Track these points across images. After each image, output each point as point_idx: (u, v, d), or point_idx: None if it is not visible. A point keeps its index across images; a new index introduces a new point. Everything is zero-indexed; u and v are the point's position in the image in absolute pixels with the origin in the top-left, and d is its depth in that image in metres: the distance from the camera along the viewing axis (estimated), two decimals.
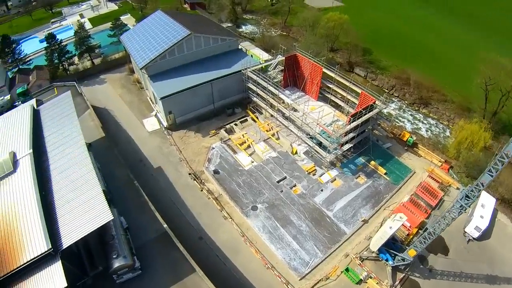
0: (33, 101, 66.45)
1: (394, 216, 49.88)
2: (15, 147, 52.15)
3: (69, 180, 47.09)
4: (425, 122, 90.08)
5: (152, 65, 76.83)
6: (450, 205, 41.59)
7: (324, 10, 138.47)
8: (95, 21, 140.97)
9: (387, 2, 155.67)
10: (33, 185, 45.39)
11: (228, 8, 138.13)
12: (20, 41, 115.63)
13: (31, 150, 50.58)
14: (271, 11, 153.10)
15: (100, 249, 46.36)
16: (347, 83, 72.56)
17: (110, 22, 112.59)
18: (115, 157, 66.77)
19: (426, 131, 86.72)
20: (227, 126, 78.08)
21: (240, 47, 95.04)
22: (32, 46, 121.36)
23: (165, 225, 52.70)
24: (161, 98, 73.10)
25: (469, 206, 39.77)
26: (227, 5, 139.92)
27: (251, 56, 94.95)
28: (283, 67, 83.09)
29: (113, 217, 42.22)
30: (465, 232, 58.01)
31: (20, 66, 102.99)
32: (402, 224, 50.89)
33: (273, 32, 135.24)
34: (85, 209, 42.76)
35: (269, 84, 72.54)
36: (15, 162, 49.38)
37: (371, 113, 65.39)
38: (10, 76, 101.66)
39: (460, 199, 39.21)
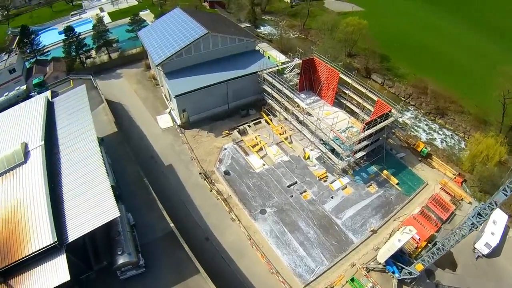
0: (48, 93, 66.71)
1: (404, 228, 49.19)
2: (27, 138, 52.18)
3: (79, 174, 46.93)
4: (440, 132, 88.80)
5: (168, 63, 76.87)
6: (461, 221, 40.83)
7: (343, 15, 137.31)
8: (114, 15, 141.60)
9: (409, 9, 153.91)
10: (43, 177, 45.28)
11: (248, 8, 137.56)
12: (40, 32, 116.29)
13: (43, 142, 50.55)
14: (290, 13, 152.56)
15: (106, 244, 46.17)
16: (364, 90, 71.58)
17: (129, 17, 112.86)
18: (126, 153, 66.69)
19: (441, 142, 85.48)
20: (240, 127, 77.65)
21: (257, 48, 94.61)
22: (51, 38, 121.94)
23: (171, 225, 52.34)
24: (176, 96, 73.06)
25: (481, 225, 38.79)
26: (246, 5, 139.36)
27: (268, 57, 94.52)
28: (299, 71, 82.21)
29: (119, 214, 41.93)
30: (475, 248, 56.85)
31: (38, 57, 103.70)
32: (411, 237, 50.12)
33: (291, 34, 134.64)
34: (93, 204, 42.57)
35: (285, 87, 71.94)
36: (26, 153, 49.37)
37: (386, 122, 64.42)
38: (28, 66, 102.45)
39: (472, 217, 38.26)
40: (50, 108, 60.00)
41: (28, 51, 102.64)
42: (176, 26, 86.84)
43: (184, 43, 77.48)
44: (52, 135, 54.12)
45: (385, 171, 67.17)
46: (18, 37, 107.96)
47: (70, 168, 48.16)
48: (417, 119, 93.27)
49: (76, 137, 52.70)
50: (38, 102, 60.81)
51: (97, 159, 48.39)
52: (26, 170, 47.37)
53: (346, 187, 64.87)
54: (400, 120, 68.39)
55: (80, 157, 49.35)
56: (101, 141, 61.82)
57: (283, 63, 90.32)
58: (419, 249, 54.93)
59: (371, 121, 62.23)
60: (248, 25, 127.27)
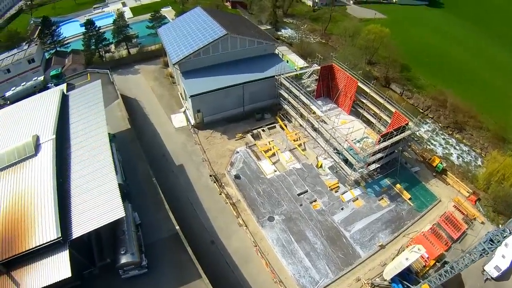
0: (63, 86, 66.66)
1: (412, 247, 48.06)
2: (39, 130, 52.30)
3: (87, 170, 46.93)
4: (457, 148, 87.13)
5: (186, 62, 76.46)
6: (472, 245, 39.39)
7: (365, 21, 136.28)
8: (136, 10, 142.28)
9: (433, 19, 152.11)
10: (52, 172, 45.35)
11: (269, 10, 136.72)
12: (61, 24, 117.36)
13: (54, 136, 50.55)
14: (312, 17, 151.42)
15: (111, 242, 46.10)
16: (382, 100, 70.31)
17: (150, 14, 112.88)
18: (138, 150, 66.44)
19: (457, 157, 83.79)
20: (254, 131, 76.88)
21: (276, 51, 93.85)
22: (72, 30, 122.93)
23: (177, 227, 51.77)
24: (191, 96, 72.63)
25: (492, 251, 37.32)
26: (268, 7, 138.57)
27: (287, 61, 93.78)
28: (317, 77, 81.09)
29: (124, 215, 41.70)
30: (484, 270, 55.07)
31: (58, 49, 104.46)
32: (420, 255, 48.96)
33: (312, 39, 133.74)
34: (99, 202, 42.54)
35: (302, 93, 70.87)
36: (37, 146, 49.49)
37: (402, 135, 62.99)
38: (47, 57, 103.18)
39: (484, 242, 36.80)
40: (64, 102, 60.11)
41: (48, 42, 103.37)
42: (196, 25, 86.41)
43: (203, 43, 77.00)
44: (64, 129, 54.26)
45: (398, 185, 65.68)
46: (39, 28, 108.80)
47: (79, 164, 48.22)
48: (435, 132, 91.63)
49: (87, 132, 52.73)
50: (53, 95, 61.04)
51: (106, 156, 48.30)
52: (36, 163, 47.46)
53: (357, 199, 63.51)
54: (417, 133, 66.69)
55: (90, 153, 49.39)
56: (113, 137, 61.91)
57: (301, 68, 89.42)
58: (427, 268, 53.46)
59: (387, 133, 61.02)
60: (269, 27, 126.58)
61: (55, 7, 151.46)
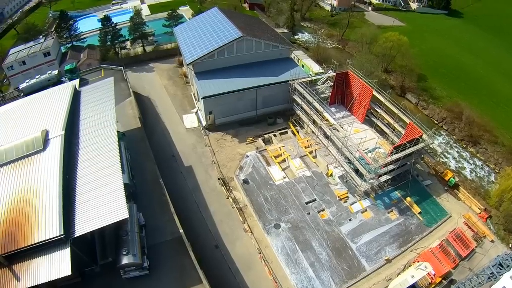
0: (76, 81, 66.48)
1: (419, 264, 47.04)
2: (49, 125, 52.13)
3: (94, 169, 46.62)
4: (470, 162, 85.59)
5: (200, 63, 75.97)
6: (480, 268, 38.24)
7: (383, 28, 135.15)
8: (154, 8, 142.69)
9: (452, 29, 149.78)
10: (59, 168, 45.11)
11: (287, 14, 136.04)
12: (79, 18, 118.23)
13: (63, 132, 50.34)
14: (330, 21, 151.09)
15: (113, 240, 45.78)
16: (396, 111, 69.09)
17: (167, 12, 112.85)
18: (147, 150, 66.08)
19: (471, 172, 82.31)
20: (266, 136, 76.03)
21: (292, 55, 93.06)
22: (89, 24, 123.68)
23: (181, 230, 51.16)
24: (204, 97, 72.09)
25: (501, 276, 36.11)
26: (286, 10, 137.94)
27: (302, 66, 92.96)
28: (332, 83, 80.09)
29: (127, 216, 41.19)
30: None
31: (74, 43, 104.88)
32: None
33: (328, 44, 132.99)
34: (103, 202, 42.20)
35: (315, 100, 69.98)
36: (46, 141, 49.27)
37: (415, 147, 61.71)
38: (63, 51, 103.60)
39: (492, 266, 35.78)
40: (76, 97, 59.99)
41: (65, 36, 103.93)
42: (212, 26, 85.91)
43: (218, 44, 76.47)
44: (74, 125, 54.08)
45: (408, 198, 64.25)
46: (57, 21, 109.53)
47: (86, 162, 47.95)
48: (449, 145, 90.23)
49: (96, 130, 52.48)
50: (65, 90, 60.86)
51: (113, 156, 47.88)
52: (44, 158, 47.25)
53: (366, 210, 62.23)
54: (431, 145, 65.35)
55: (98, 151, 49.08)
56: (122, 135, 61.65)
57: (316, 74, 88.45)
58: (433, 285, 52.14)
59: (400, 145, 59.86)
60: (286, 31, 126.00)
61: (74, 1, 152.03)
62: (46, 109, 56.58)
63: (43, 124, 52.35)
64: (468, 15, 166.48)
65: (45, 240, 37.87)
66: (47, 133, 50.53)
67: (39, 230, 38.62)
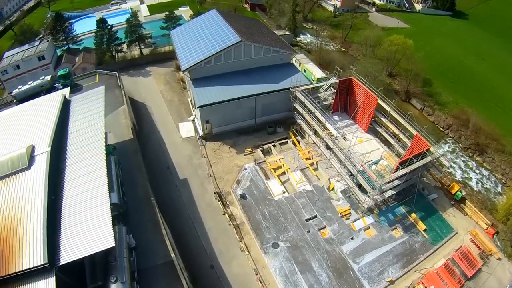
0: (67, 90, 63.73)
1: None
2: (36, 139, 49.53)
3: (81, 189, 43.85)
4: (477, 171, 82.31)
5: (196, 69, 73.15)
6: None
7: (388, 30, 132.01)
8: (154, 8, 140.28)
9: (457, 31, 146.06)
10: (43, 188, 42.31)
11: (289, 15, 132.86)
12: (77, 19, 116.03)
13: (50, 148, 47.55)
14: (333, 23, 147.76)
15: (103, 264, 42.76)
16: (402, 121, 65.99)
17: (164, 14, 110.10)
18: (139, 163, 62.96)
19: (477, 182, 79.00)
20: (265, 146, 73.04)
21: (293, 59, 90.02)
22: (87, 25, 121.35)
23: (172, 255, 47.95)
24: (200, 107, 69.17)
25: None
26: (288, 11, 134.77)
27: (304, 71, 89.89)
28: (335, 90, 76.93)
29: (114, 245, 38.39)
30: None
31: (70, 46, 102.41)
32: None
33: (331, 46, 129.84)
34: (90, 227, 39.54)
35: (317, 110, 66.94)
36: (31, 158, 46.57)
37: (422, 161, 58.50)
38: (59, 54, 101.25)
39: None
40: (65, 108, 57.53)
41: (60, 38, 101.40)
42: (210, 29, 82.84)
43: (215, 49, 73.48)
44: (62, 140, 51.57)
45: (413, 214, 61.12)
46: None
47: (73, 182, 45.27)
48: (454, 154, 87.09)
49: (84, 146, 49.86)
50: (54, 101, 58.36)
51: (101, 175, 44.97)
52: (29, 177, 44.58)
53: (369, 227, 59.18)
54: (439, 158, 62.24)
55: (86, 170, 46.33)
56: (113, 149, 58.88)
57: (319, 80, 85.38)
58: None
59: (406, 160, 56.72)
60: (287, 32, 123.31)
61: (73, 1, 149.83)
62: (34, 121, 54.06)
63: (29, 138, 49.90)
64: (473, 17, 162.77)
65: (29, 268, 35.55)
66: (33, 149, 47.85)
67: (23, 257, 36.33)
